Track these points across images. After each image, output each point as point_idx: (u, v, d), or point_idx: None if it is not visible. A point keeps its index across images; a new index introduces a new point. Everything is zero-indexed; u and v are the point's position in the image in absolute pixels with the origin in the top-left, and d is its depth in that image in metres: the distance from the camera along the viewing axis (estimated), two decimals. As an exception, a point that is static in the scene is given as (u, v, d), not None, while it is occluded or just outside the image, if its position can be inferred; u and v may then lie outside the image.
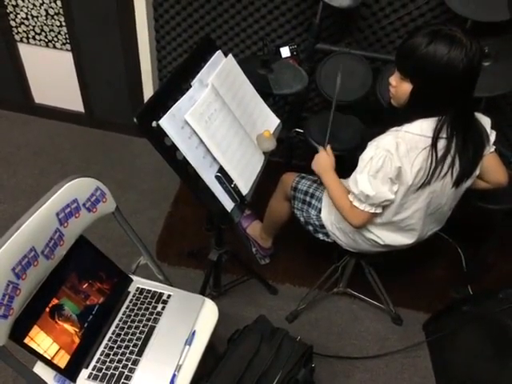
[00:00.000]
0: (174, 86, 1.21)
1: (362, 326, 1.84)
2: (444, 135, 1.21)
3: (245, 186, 1.28)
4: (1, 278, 0.92)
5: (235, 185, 1.26)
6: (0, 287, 0.92)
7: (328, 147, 1.51)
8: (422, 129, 1.21)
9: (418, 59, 1.13)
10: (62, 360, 1.12)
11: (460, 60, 1.09)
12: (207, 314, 1.29)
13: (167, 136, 1.11)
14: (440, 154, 1.21)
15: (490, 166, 1.39)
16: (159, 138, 1.11)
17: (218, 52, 1.36)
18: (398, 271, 1.97)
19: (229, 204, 1.25)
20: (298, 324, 1.83)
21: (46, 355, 1.08)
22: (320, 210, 1.57)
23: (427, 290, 1.96)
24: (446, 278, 2.00)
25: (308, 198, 1.61)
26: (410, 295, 1.94)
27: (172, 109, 1.12)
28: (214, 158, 1.22)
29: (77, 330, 1.17)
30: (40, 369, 1.12)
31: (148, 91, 2.37)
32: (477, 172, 1.35)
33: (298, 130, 2.02)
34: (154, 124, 1.08)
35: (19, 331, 1.02)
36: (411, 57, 1.14)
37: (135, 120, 1.05)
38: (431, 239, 1.56)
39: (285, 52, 1.83)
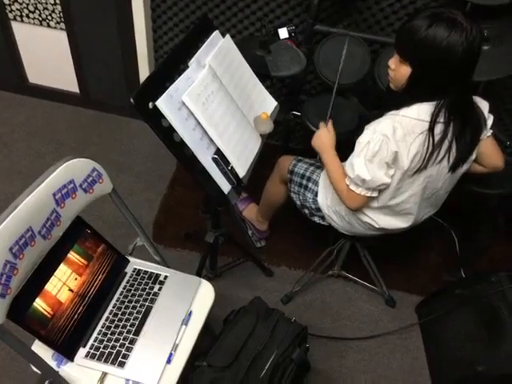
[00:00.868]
0: (171, 66, 1.19)
1: (356, 308, 1.86)
2: (441, 119, 1.21)
3: (242, 168, 1.28)
4: (-2, 257, 0.92)
5: (232, 167, 1.26)
6: (-3, 267, 0.92)
7: (329, 123, 1.49)
8: (419, 113, 1.21)
9: (417, 42, 1.12)
10: (60, 339, 1.13)
11: (460, 44, 1.08)
12: (204, 295, 1.31)
13: (164, 117, 1.11)
14: (437, 138, 1.22)
15: (487, 150, 1.39)
16: (156, 120, 1.10)
17: (215, 32, 1.34)
18: (392, 254, 1.99)
19: (226, 186, 1.25)
20: (292, 306, 1.85)
21: (43, 334, 1.09)
22: (316, 193, 1.57)
23: (421, 272, 1.99)
24: (440, 262, 2.03)
25: (304, 182, 1.61)
26: (403, 278, 1.96)
27: (169, 89, 1.11)
28: (211, 140, 1.22)
29: (74, 310, 1.18)
30: (38, 347, 1.13)
31: (144, 72, 2.34)
32: (473, 156, 1.35)
33: (295, 112, 2.01)
34: (150, 105, 1.07)
35: (17, 310, 1.02)
36: (411, 39, 1.14)
37: (132, 101, 1.04)
38: (425, 223, 1.58)
39: (283, 33, 1.81)
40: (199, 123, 1.18)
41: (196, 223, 2.04)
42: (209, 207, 2.04)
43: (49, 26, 2.27)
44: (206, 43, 1.29)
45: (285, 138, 2.32)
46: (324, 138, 1.47)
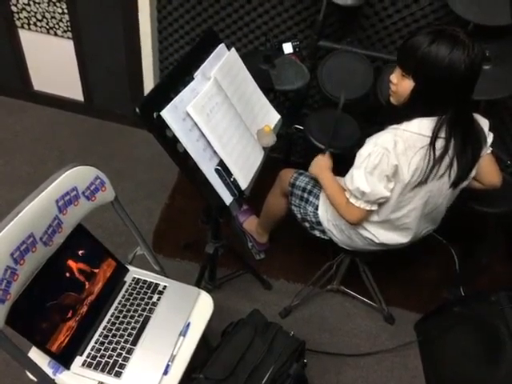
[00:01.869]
0: (176, 77, 1.21)
1: (355, 324, 1.85)
2: (443, 135, 1.22)
3: (244, 180, 1.28)
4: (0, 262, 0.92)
5: (234, 179, 1.26)
6: (-2, 272, 0.92)
7: (327, 154, 1.54)
8: (420, 128, 1.22)
9: (420, 57, 1.14)
10: (57, 347, 1.12)
11: (462, 61, 1.10)
12: (202, 306, 1.30)
13: (168, 128, 1.12)
14: (438, 153, 1.23)
15: (485, 168, 1.40)
16: (160, 130, 1.11)
17: (221, 45, 1.36)
18: (391, 270, 1.98)
19: (227, 197, 1.25)
20: (291, 319, 1.84)
21: (41, 341, 1.08)
22: (317, 206, 1.58)
23: (420, 289, 1.98)
24: (439, 279, 2.02)
25: (305, 195, 1.61)
26: (402, 295, 1.95)
27: (174, 100, 1.13)
28: (215, 151, 1.22)
29: (72, 318, 1.17)
30: (34, 354, 1.12)
31: (148, 82, 2.36)
32: (474, 173, 1.36)
33: (297, 126, 2.03)
34: (155, 115, 1.08)
35: (15, 316, 1.02)
36: (413, 55, 1.15)
37: (137, 110, 1.05)
38: (425, 240, 1.58)
39: (287, 48, 1.83)
40: (203, 134, 1.19)
41: (196, 233, 2.04)
42: (209, 218, 2.04)
43: (56, 34, 2.29)
44: (211, 56, 1.31)
45: (286, 151, 2.34)
46: (320, 162, 1.52)
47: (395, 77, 1.25)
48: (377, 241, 1.46)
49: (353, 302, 1.92)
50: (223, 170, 1.23)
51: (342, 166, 1.51)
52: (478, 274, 2.01)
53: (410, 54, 1.17)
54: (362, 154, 1.27)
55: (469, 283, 1.96)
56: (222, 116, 1.25)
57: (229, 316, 1.60)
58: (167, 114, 1.10)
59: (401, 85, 1.23)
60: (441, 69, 1.12)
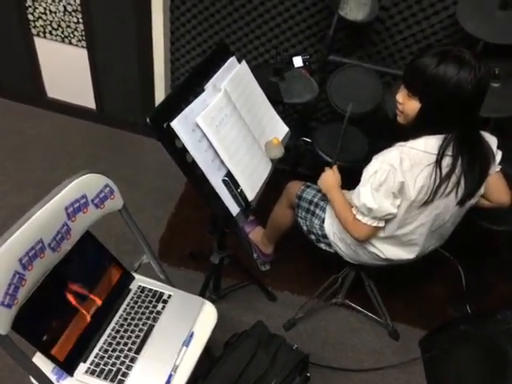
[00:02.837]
0: (187, 88, 1.23)
1: (359, 339, 1.84)
2: (449, 153, 1.22)
3: (251, 191, 1.29)
4: (8, 267, 0.93)
5: (241, 190, 1.27)
6: (7, 277, 0.93)
7: (334, 167, 1.55)
8: (426, 145, 1.23)
9: (427, 79, 1.15)
10: (61, 353, 1.13)
11: (469, 81, 1.11)
12: (206, 317, 1.30)
13: (178, 138, 1.13)
14: (445, 171, 1.23)
15: (494, 186, 1.40)
16: (170, 140, 1.12)
17: (232, 58, 1.38)
18: (397, 286, 1.97)
19: (234, 208, 1.26)
20: (294, 332, 1.83)
21: (45, 347, 1.09)
22: (323, 219, 1.58)
23: (426, 306, 1.96)
24: (445, 296, 2.00)
25: (312, 208, 1.62)
26: (408, 310, 1.94)
27: (184, 111, 1.14)
28: (222, 162, 1.23)
29: (77, 324, 1.18)
30: (39, 360, 1.13)
31: (159, 92, 2.39)
32: (482, 191, 1.36)
33: (305, 139, 2.04)
34: (165, 125, 1.09)
35: (21, 321, 1.02)
36: (420, 76, 1.16)
37: (148, 120, 1.07)
38: (432, 256, 1.57)
39: (297, 62, 1.85)
40: (211, 145, 1.21)
41: (202, 243, 2.05)
42: (215, 228, 2.05)
43: (70, 43, 2.34)
44: (222, 68, 1.33)
45: (294, 163, 2.35)
46: (329, 178, 1.52)
47: (401, 97, 1.25)
48: (382, 256, 1.46)
49: (357, 316, 1.90)
50: (230, 181, 1.24)
51: (350, 179, 1.52)
52: (484, 292, 1.99)
53: (416, 76, 1.18)
54: (368, 171, 1.28)
55: (475, 301, 1.94)
56: (230, 127, 1.26)
57: (232, 327, 1.60)
58: (177, 124, 1.12)
59: (407, 105, 1.24)
60: (448, 90, 1.13)
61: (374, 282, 1.80)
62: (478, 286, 1.99)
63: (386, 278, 1.81)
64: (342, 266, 1.73)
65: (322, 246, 1.62)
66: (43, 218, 1.01)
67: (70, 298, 1.17)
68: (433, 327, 1.81)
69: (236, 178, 1.25)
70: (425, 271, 2.03)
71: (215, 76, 1.29)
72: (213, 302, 1.79)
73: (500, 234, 1.69)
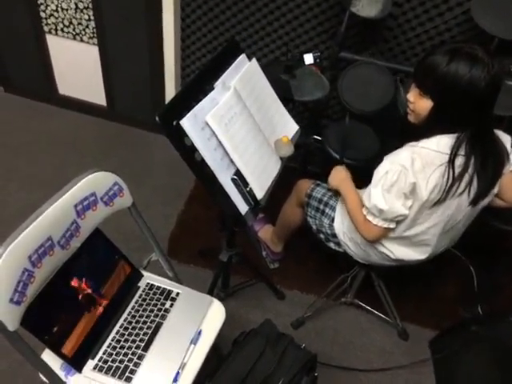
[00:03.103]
0: (197, 86, 1.22)
1: (368, 339, 1.83)
2: (462, 152, 1.20)
3: (260, 190, 1.28)
4: (17, 265, 0.94)
5: (251, 188, 1.26)
6: (16, 274, 0.94)
7: (343, 166, 1.54)
8: (438, 145, 1.20)
9: (439, 77, 1.12)
10: (70, 350, 1.13)
11: (481, 79, 1.08)
12: (214, 315, 1.30)
13: (187, 136, 1.13)
14: (458, 171, 1.20)
15: (508, 185, 1.36)
16: (179, 138, 1.12)
17: (242, 55, 1.37)
18: (407, 285, 1.95)
19: (243, 207, 1.25)
20: (303, 331, 1.82)
21: (54, 344, 1.10)
22: (333, 219, 1.56)
23: (436, 306, 1.94)
24: (456, 296, 1.98)
25: (322, 206, 1.61)
26: (418, 310, 1.92)
27: (194, 109, 1.14)
28: (232, 161, 1.23)
29: (86, 321, 1.18)
30: (47, 356, 1.14)
31: (170, 89, 2.39)
32: (495, 190, 1.33)
33: (316, 137, 2.03)
34: (174, 123, 1.09)
35: (31, 318, 1.03)
36: (432, 75, 1.14)
37: (157, 118, 1.07)
38: (443, 255, 1.55)
39: (308, 59, 1.84)
40: (221, 144, 1.20)
41: (211, 240, 2.05)
42: (225, 225, 2.05)
43: (82, 40, 2.35)
44: (232, 66, 1.32)
45: (303, 161, 2.33)
46: (339, 173, 1.51)
47: (412, 96, 1.23)
48: (393, 256, 1.44)
49: (367, 316, 1.89)
50: (240, 180, 1.24)
51: (361, 178, 1.50)
52: (496, 292, 1.96)
53: (427, 74, 1.15)
54: (379, 172, 1.26)
55: (487, 301, 1.91)
56: (240, 126, 1.25)
57: (240, 324, 1.60)
58: (187, 122, 1.11)
59: (418, 104, 1.21)
60: (460, 88, 1.11)
61: (383, 281, 1.78)
62: (489, 286, 1.96)
63: (396, 277, 1.79)
64: (351, 265, 1.71)
65: (332, 245, 1.61)
66: (52, 215, 1.01)
67: (79, 294, 1.18)
68: (443, 328, 1.79)
69: (245, 176, 1.24)
70: (436, 271, 2.00)
71: (225, 74, 1.28)
72: (221, 299, 1.81)
73: (511, 233, 1.66)
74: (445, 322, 1.83)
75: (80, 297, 1.18)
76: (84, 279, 1.19)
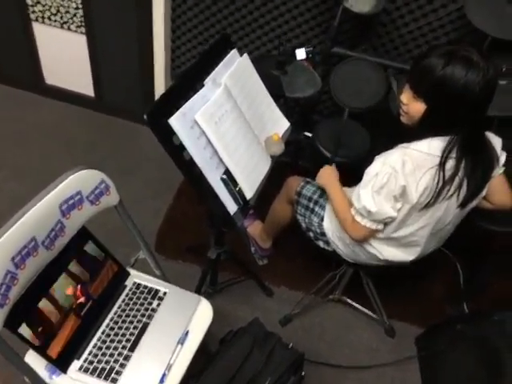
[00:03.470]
0: (186, 83, 1.19)
1: (355, 336, 1.84)
2: (453, 155, 1.19)
3: (249, 189, 1.27)
4: (0, 267, 0.92)
5: (240, 188, 1.25)
6: (-2, 276, 0.92)
7: (333, 165, 1.53)
8: (430, 147, 1.20)
9: (434, 80, 1.11)
10: (54, 350, 1.12)
11: (476, 83, 1.07)
12: (202, 314, 1.29)
13: (175, 135, 1.11)
14: (448, 174, 1.20)
15: (497, 188, 1.37)
16: (168, 136, 1.10)
17: (233, 51, 1.35)
18: (395, 283, 1.96)
19: (232, 207, 1.24)
20: (290, 328, 1.83)
21: (38, 345, 1.08)
22: (322, 217, 1.56)
23: (423, 303, 1.96)
24: (443, 294, 2.00)
25: (311, 205, 1.60)
26: (404, 308, 1.93)
27: (183, 108, 1.11)
28: (221, 160, 1.21)
29: (71, 321, 1.17)
30: (31, 357, 1.12)
31: (159, 81, 2.35)
32: (484, 193, 1.33)
33: (307, 133, 2.01)
34: (165, 126, 1.06)
35: (13, 319, 1.01)
36: (427, 77, 1.13)
37: (145, 117, 1.04)
38: (431, 253, 1.55)
39: (300, 54, 1.81)
40: (210, 142, 1.18)
41: (199, 236, 2.03)
42: (213, 223, 2.04)
43: (69, 29, 2.29)
44: (223, 62, 1.29)
45: (294, 156, 2.32)
46: (327, 173, 1.51)
47: (406, 97, 1.22)
48: (381, 257, 1.44)
49: (354, 313, 1.90)
50: (229, 179, 1.22)
51: (351, 175, 1.50)
52: (482, 291, 1.98)
53: (422, 77, 1.14)
54: (369, 173, 1.25)
55: (473, 299, 1.93)
56: (230, 124, 1.23)
57: (228, 321, 1.59)
58: (175, 121, 1.09)
59: (412, 106, 1.20)
60: (455, 92, 1.10)
61: (371, 279, 1.79)
62: (475, 284, 1.98)
63: (384, 275, 1.79)
64: (339, 263, 1.71)
65: (321, 243, 1.60)
66: (36, 215, 0.99)
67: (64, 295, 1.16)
68: (429, 325, 1.80)
69: (235, 176, 1.23)
70: (423, 269, 2.01)
71: (215, 70, 1.26)
72: (209, 295, 1.80)
73: (498, 234, 1.67)
74: (431, 319, 1.84)
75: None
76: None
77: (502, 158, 1.33)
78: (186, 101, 1.13)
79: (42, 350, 1.09)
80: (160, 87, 2.38)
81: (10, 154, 2.31)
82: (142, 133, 2.53)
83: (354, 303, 1.88)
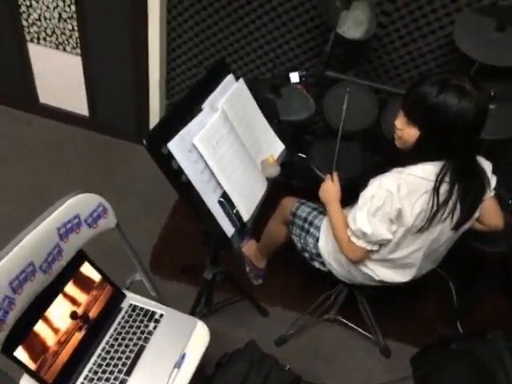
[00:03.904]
0: (184, 108, 1.21)
1: (350, 356, 1.84)
2: (447, 179, 1.22)
3: (247, 212, 1.28)
4: (-2, 292, 0.91)
5: (237, 210, 1.26)
6: (-4, 302, 0.91)
7: (334, 175, 1.53)
8: (424, 172, 1.23)
9: (427, 108, 1.15)
10: (50, 374, 1.11)
11: (469, 111, 1.11)
12: (198, 337, 1.29)
13: (174, 159, 1.12)
14: (442, 198, 1.23)
15: (488, 210, 1.40)
16: (166, 161, 1.11)
17: (229, 76, 1.37)
18: (389, 302, 1.97)
19: (229, 229, 1.25)
20: (286, 348, 1.82)
21: (34, 369, 1.07)
22: (318, 238, 1.57)
23: (417, 322, 1.97)
24: (436, 312, 2.01)
25: (307, 226, 1.61)
26: (400, 327, 1.94)
27: (181, 132, 1.13)
28: (218, 183, 1.23)
29: (67, 344, 1.16)
30: (27, 382, 1.11)
31: (154, 102, 2.37)
32: (476, 215, 1.36)
33: (301, 155, 2.04)
34: (164, 150, 1.08)
35: (9, 344, 1.01)
36: (420, 105, 1.16)
37: (144, 142, 1.06)
38: (425, 273, 1.57)
39: (294, 77, 1.85)
40: (208, 166, 1.19)
41: (194, 255, 2.02)
42: (208, 240, 2.04)
43: (64, 50, 2.31)
44: (219, 87, 1.32)
45: (289, 176, 2.34)
46: (329, 190, 1.50)
47: (400, 123, 1.25)
48: (376, 278, 1.45)
49: (349, 332, 1.90)
50: (226, 202, 1.23)
51: (344, 196, 1.51)
52: (475, 310, 1.99)
53: (416, 105, 1.18)
54: (365, 196, 1.28)
55: (466, 319, 1.94)
56: (227, 148, 1.25)
57: (224, 342, 1.58)
58: (174, 146, 1.11)
59: (406, 131, 1.23)
60: (448, 119, 1.13)
61: (366, 299, 1.80)
62: (469, 303, 2.00)
63: (379, 295, 1.80)
64: (335, 282, 1.72)
65: (316, 264, 1.62)
66: (35, 240, 0.99)
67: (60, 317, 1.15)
68: (424, 345, 1.81)
69: (232, 199, 1.24)
70: (417, 288, 2.02)
71: (212, 95, 1.28)
72: (204, 316, 1.79)
73: (490, 254, 1.70)
74: (426, 338, 1.85)
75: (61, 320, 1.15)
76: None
77: (493, 181, 1.37)
78: (184, 125, 1.15)
79: (37, 375, 1.08)
80: (155, 108, 2.40)
81: (3, 172, 2.29)
82: (136, 152, 2.54)
83: (349, 323, 1.88)
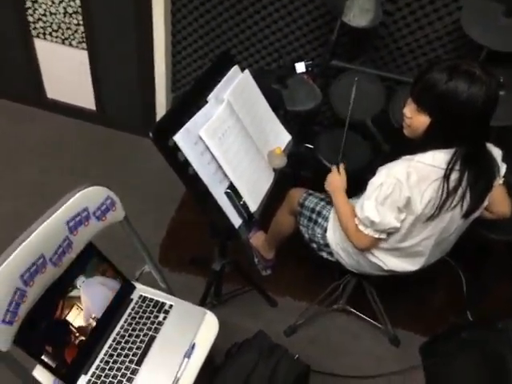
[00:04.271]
0: (190, 100, 1.22)
1: (359, 345, 1.84)
2: (457, 167, 1.21)
3: (254, 203, 1.29)
4: (10, 285, 0.93)
5: (244, 201, 1.26)
6: (8, 294, 0.93)
7: (341, 166, 1.52)
8: (434, 159, 1.21)
9: (437, 95, 1.13)
10: (63, 365, 1.12)
11: (479, 97, 1.10)
12: (208, 327, 1.30)
13: (180, 151, 1.12)
14: (452, 185, 1.22)
15: (497, 198, 1.39)
16: (173, 153, 1.12)
17: (234, 67, 1.37)
18: (398, 292, 1.97)
19: (236, 220, 1.25)
20: (295, 338, 1.83)
21: (46, 359, 1.09)
22: (326, 229, 1.57)
23: (427, 312, 1.96)
24: (447, 302, 2.00)
25: (314, 216, 1.61)
26: (409, 316, 1.94)
27: (187, 124, 1.13)
28: (225, 174, 1.23)
29: (78, 335, 1.18)
30: (39, 372, 1.13)
31: (161, 94, 2.38)
32: (486, 203, 1.35)
33: (308, 145, 2.03)
34: (170, 143, 1.08)
35: (22, 335, 1.02)
36: (430, 92, 1.15)
37: (151, 135, 1.06)
38: (434, 262, 1.57)
39: (300, 67, 1.83)
40: (214, 158, 1.20)
41: (202, 247, 2.03)
42: (215, 232, 2.04)
43: (71, 44, 2.32)
44: (224, 78, 1.32)
45: (296, 167, 2.34)
46: (335, 181, 1.50)
47: (409, 111, 1.24)
48: (385, 267, 1.45)
49: (358, 322, 1.90)
50: (233, 193, 1.24)
51: (351, 186, 1.51)
52: (485, 299, 1.99)
53: (425, 91, 1.16)
54: (373, 184, 1.27)
55: (476, 307, 1.94)
56: (233, 139, 1.25)
57: (233, 333, 1.59)
58: (180, 138, 1.11)
59: (416, 119, 1.22)
60: (458, 106, 1.12)
61: (375, 288, 1.80)
62: (478, 292, 1.99)
63: (388, 284, 1.80)
64: (343, 272, 1.72)
65: (324, 254, 1.62)
66: (44, 233, 1.00)
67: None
68: (434, 334, 1.81)
69: (239, 190, 1.24)
70: (426, 277, 2.02)
71: (217, 87, 1.28)
72: (214, 307, 1.81)
73: (499, 242, 1.69)
74: (436, 327, 1.85)
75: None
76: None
77: (503, 169, 1.35)
78: (190, 118, 1.15)
79: (50, 365, 1.10)
80: (161, 100, 2.40)
81: (8, 170, 2.31)
82: (143, 145, 2.54)
83: (358, 312, 1.88)
